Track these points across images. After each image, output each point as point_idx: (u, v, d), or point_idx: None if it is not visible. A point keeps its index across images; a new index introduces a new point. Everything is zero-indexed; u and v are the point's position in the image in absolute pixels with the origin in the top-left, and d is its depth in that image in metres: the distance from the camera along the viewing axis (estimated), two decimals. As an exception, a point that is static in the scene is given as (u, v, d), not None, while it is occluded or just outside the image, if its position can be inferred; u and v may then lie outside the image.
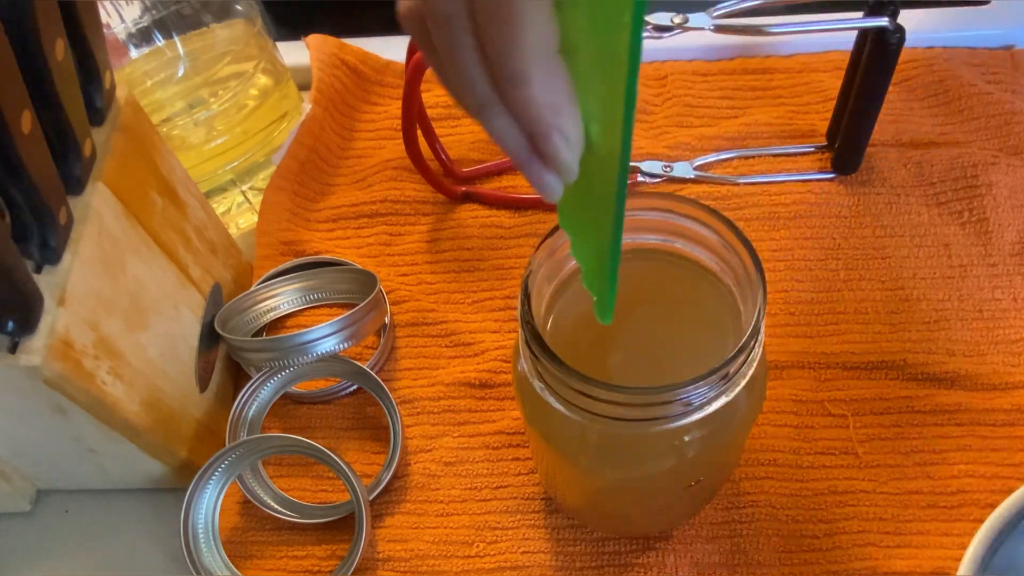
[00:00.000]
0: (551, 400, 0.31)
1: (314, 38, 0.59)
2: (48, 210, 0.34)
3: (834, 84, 0.53)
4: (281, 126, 0.56)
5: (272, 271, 0.51)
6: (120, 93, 0.40)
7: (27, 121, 0.32)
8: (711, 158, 0.53)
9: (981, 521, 0.34)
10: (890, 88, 0.47)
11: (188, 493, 0.42)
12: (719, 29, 0.47)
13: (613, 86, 0.23)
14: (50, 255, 0.35)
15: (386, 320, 0.49)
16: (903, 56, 0.45)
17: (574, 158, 0.26)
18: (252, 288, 0.49)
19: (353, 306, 0.47)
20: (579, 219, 0.30)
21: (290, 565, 0.43)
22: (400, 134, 0.51)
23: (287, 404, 0.48)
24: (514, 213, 0.53)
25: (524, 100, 0.24)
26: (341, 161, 0.57)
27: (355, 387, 0.48)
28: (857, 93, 0.47)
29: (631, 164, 0.53)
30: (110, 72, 0.39)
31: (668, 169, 0.53)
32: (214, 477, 0.43)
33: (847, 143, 0.50)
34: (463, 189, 0.54)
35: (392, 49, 0.61)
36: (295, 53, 0.60)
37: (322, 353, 0.44)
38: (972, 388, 0.44)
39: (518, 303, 0.31)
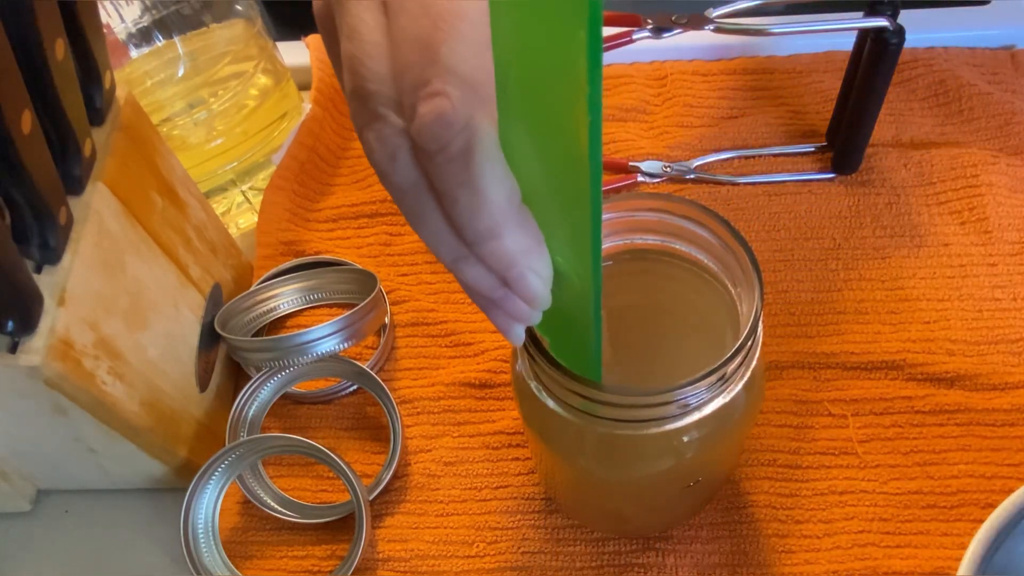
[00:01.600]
0: (549, 401, 0.31)
1: (314, 38, 0.59)
2: (48, 210, 0.34)
3: (834, 84, 0.53)
4: (281, 126, 0.56)
5: (272, 271, 0.51)
6: (120, 93, 0.40)
7: (27, 121, 0.32)
8: (711, 158, 0.53)
9: (981, 521, 0.34)
10: (890, 88, 0.47)
11: (188, 493, 0.42)
12: (719, 29, 0.47)
13: (578, 229, 0.23)
14: (50, 255, 0.35)
15: (386, 320, 0.49)
16: (903, 56, 0.45)
17: (546, 290, 0.26)
18: (252, 288, 0.50)
19: (353, 306, 0.47)
20: (556, 329, 0.30)
21: (290, 565, 0.43)
22: (400, 134, 0.50)
23: (287, 404, 0.48)
24: (514, 213, 0.53)
25: (496, 252, 0.25)
26: (341, 161, 0.57)
27: (355, 387, 0.48)
28: (857, 93, 0.47)
29: (632, 164, 0.53)
30: (110, 72, 0.39)
31: (668, 169, 0.53)
32: (214, 477, 0.43)
33: (847, 143, 0.50)
34: (463, 189, 0.54)
35: (392, 49, 0.61)
36: (295, 53, 0.60)
37: (322, 353, 0.44)
38: (972, 388, 0.44)
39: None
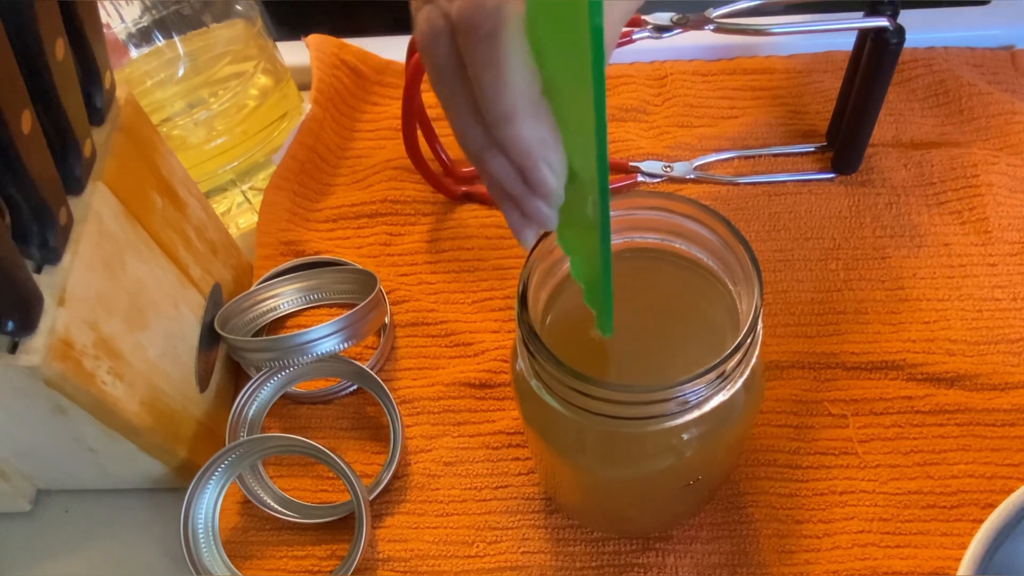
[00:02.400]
0: (549, 399, 0.31)
1: (314, 38, 0.59)
2: (48, 210, 0.34)
3: (834, 84, 0.53)
4: (281, 126, 0.56)
5: (272, 271, 0.51)
6: (120, 93, 0.40)
7: (27, 121, 0.32)
8: (711, 158, 0.53)
9: (981, 521, 0.34)
10: (890, 88, 0.47)
11: (188, 493, 0.42)
12: (719, 29, 0.47)
13: (585, 120, 0.25)
14: (50, 255, 0.35)
15: (386, 320, 0.49)
16: (903, 56, 0.45)
17: (560, 185, 0.28)
18: (252, 288, 0.50)
19: (353, 306, 0.47)
20: (574, 242, 0.32)
21: (290, 565, 0.43)
22: (400, 134, 0.51)
23: (287, 404, 0.48)
24: (514, 213, 0.53)
25: (513, 137, 0.27)
26: (341, 161, 0.57)
27: (355, 387, 0.48)
28: (857, 93, 0.47)
29: (632, 164, 0.53)
30: (110, 72, 0.39)
31: (668, 169, 0.53)
32: (214, 477, 0.43)
33: (847, 143, 0.50)
34: (463, 189, 0.54)
35: (392, 49, 0.61)
36: (295, 53, 0.60)
37: (322, 353, 0.44)
38: (972, 388, 0.44)
39: (515, 302, 0.31)
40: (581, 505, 0.41)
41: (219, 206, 0.55)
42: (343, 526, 0.43)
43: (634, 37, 0.49)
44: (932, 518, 0.41)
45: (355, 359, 0.47)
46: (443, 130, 0.56)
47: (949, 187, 0.50)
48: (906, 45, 0.44)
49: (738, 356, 0.29)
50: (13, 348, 0.33)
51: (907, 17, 0.45)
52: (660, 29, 0.48)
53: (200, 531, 0.43)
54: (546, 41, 0.25)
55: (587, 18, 0.22)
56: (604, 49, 0.22)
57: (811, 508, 0.41)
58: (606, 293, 0.30)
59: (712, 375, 0.28)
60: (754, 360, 0.31)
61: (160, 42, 0.52)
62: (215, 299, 0.48)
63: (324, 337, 0.44)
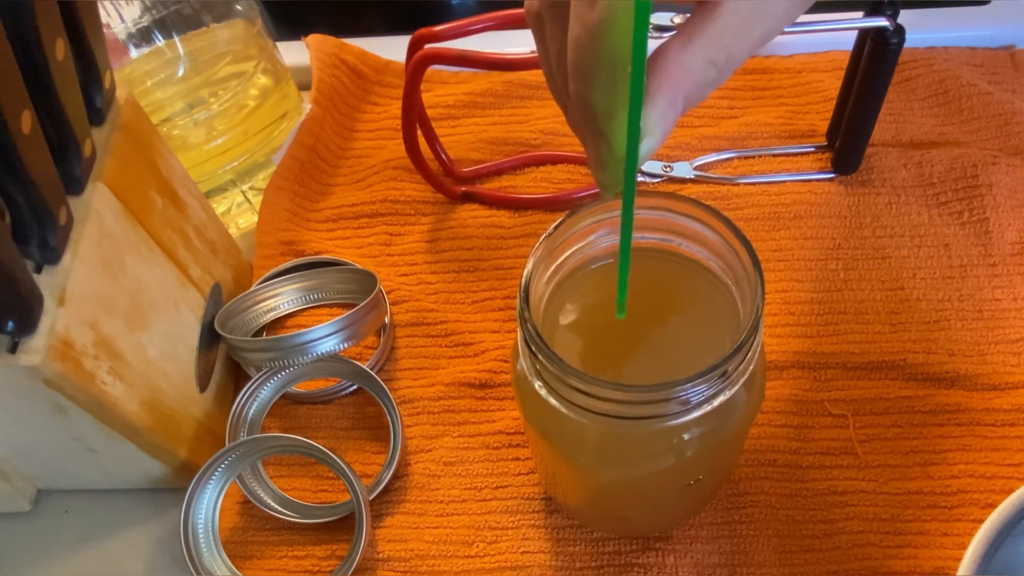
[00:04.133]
0: (550, 399, 0.31)
1: (314, 38, 0.59)
2: (48, 210, 0.34)
3: (834, 84, 0.53)
4: (281, 126, 0.56)
5: (272, 271, 0.51)
6: (120, 93, 0.40)
7: (27, 121, 0.32)
8: (711, 158, 0.53)
9: (981, 521, 0.34)
10: (890, 88, 0.47)
11: (188, 493, 0.42)
12: (719, 29, 0.47)
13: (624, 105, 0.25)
14: (50, 255, 0.35)
15: (386, 320, 0.49)
16: (903, 56, 0.45)
17: (613, 156, 0.28)
18: (252, 288, 0.50)
19: (353, 306, 0.47)
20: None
21: (290, 565, 0.43)
22: (400, 134, 0.51)
23: (287, 404, 0.48)
24: (514, 213, 0.53)
25: (583, 96, 0.27)
26: (341, 161, 0.57)
27: (355, 387, 0.48)
28: (857, 93, 0.47)
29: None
30: (110, 72, 0.39)
31: (668, 169, 0.53)
32: (214, 477, 0.43)
33: (847, 143, 0.50)
34: (463, 189, 0.54)
35: (392, 49, 0.61)
36: (295, 53, 0.60)
37: (322, 353, 0.44)
38: (972, 388, 0.44)
39: (517, 301, 0.31)
40: (581, 505, 0.41)
41: (219, 206, 0.55)
42: (343, 526, 0.43)
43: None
44: (932, 518, 0.41)
45: (355, 359, 0.47)
46: (443, 130, 0.56)
47: (949, 187, 0.50)
48: (906, 45, 0.44)
49: (740, 356, 0.29)
50: (13, 348, 0.33)
51: (907, 17, 0.45)
52: (660, 29, 0.48)
53: (200, 531, 0.43)
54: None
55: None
56: (646, 33, 0.23)
57: (811, 508, 0.41)
58: (623, 275, 0.30)
59: (714, 375, 0.28)
60: (755, 361, 0.31)
61: (160, 42, 0.52)
62: (215, 299, 0.48)
63: (324, 337, 0.44)
